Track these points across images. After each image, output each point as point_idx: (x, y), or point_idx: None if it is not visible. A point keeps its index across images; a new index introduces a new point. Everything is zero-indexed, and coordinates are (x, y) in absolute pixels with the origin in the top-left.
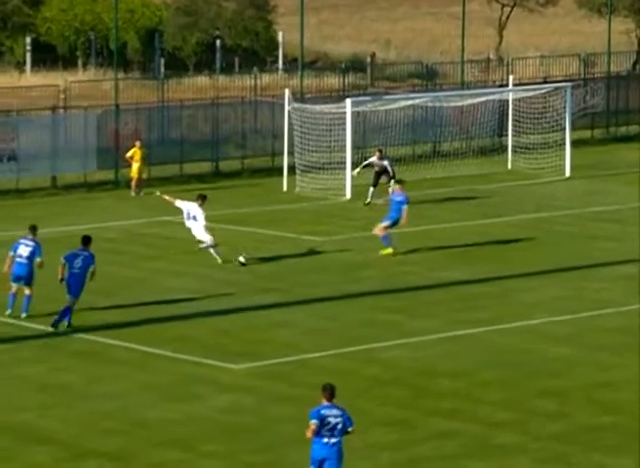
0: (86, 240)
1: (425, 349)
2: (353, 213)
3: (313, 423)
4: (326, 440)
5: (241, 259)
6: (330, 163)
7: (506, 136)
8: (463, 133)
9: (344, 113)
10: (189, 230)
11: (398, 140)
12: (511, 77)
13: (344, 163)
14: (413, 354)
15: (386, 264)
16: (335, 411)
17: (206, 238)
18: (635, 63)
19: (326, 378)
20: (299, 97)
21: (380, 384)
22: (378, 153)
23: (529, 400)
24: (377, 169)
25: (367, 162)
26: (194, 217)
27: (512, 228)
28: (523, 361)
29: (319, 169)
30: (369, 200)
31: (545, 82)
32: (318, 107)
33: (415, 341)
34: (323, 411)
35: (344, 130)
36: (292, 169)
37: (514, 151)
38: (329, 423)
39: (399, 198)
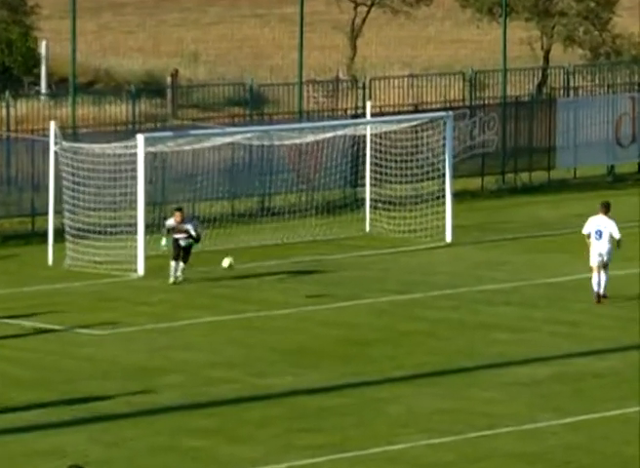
0: None
1: None
2: (147, 295)
3: None
4: None
5: (225, 265)
6: (115, 226)
7: (363, 185)
8: (303, 182)
9: (135, 155)
10: None
11: (211, 193)
12: (369, 104)
13: (135, 225)
14: None
15: (195, 368)
16: None
17: None
18: (541, 85)
19: None
20: (70, 132)
21: None
22: (178, 214)
23: None
24: (178, 236)
25: (167, 226)
26: None
27: (373, 315)
28: None
29: (99, 234)
30: (173, 279)
31: (417, 111)
32: (97, 147)
33: None
34: None
35: (135, 178)
36: (60, 234)
37: (374, 207)
38: None
39: None
